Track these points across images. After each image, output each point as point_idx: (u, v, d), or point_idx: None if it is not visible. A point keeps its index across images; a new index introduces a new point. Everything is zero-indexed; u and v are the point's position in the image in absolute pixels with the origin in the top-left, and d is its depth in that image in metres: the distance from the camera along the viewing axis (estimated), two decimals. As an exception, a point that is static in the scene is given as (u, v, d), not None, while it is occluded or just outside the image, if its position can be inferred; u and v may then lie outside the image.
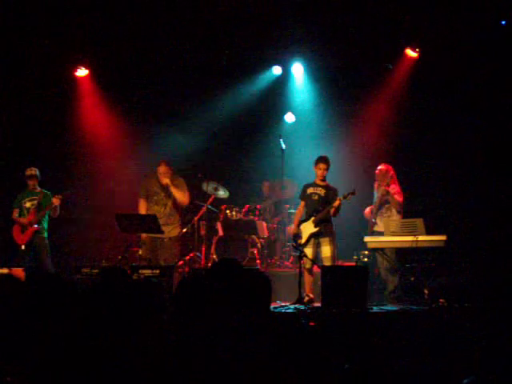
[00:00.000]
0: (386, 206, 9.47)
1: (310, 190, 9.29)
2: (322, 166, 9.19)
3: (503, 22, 10.52)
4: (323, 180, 9.25)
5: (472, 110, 10.63)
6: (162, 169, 9.81)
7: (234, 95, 11.96)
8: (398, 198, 9.39)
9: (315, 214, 8.99)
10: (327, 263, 8.83)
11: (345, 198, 8.85)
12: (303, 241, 9.01)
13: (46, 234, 9.86)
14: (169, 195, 9.84)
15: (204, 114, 11.90)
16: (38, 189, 9.93)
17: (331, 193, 9.12)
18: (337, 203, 8.87)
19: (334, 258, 8.98)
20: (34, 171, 9.89)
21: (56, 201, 9.69)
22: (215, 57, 11.52)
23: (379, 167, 9.62)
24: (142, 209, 9.87)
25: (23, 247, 9.68)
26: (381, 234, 9.35)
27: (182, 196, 9.84)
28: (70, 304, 3.49)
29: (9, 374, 3.05)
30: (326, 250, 8.96)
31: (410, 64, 11.34)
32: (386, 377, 3.14)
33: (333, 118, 11.78)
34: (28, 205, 9.85)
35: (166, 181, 9.73)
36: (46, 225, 9.88)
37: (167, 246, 9.73)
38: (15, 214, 9.86)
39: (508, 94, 10.43)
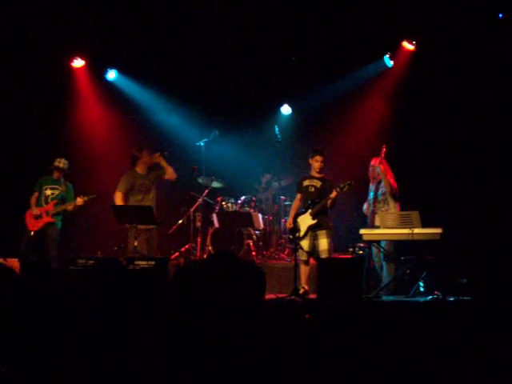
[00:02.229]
0: (383, 197, 9.46)
1: (306, 183, 9.29)
2: (318, 158, 9.19)
3: (500, 15, 10.50)
4: (319, 172, 9.25)
5: (469, 103, 10.61)
6: (144, 154, 9.73)
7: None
8: (392, 181, 9.37)
9: (312, 206, 8.98)
10: (324, 255, 8.85)
11: (341, 189, 8.84)
12: (302, 233, 8.99)
13: (60, 225, 9.84)
14: (152, 182, 9.77)
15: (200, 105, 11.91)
16: (62, 179, 9.89)
17: (328, 184, 9.12)
18: (334, 195, 8.86)
19: (330, 250, 8.99)
20: (63, 164, 9.84)
21: (80, 201, 9.66)
22: (210, 47, 11.52)
23: (371, 162, 9.63)
24: (119, 202, 9.71)
25: (32, 233, 9.66)
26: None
27: (171, 171, 9.78)
28: (63, 295, 3.48)
29: (2, 365, 3.05)
30: (324, 243, 8.96)
31: (406, 57, 11.33)
32: (380, 369, 3.14)
33: (329, 110, 11.76)
34: (48, 192, 9.83)
35: (156, 156, 9.70)
36: (61, 215, 9.86)
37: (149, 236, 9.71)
38: (34, 198, 9.81)
39: (505, 87, 10.41)
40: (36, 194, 9.84)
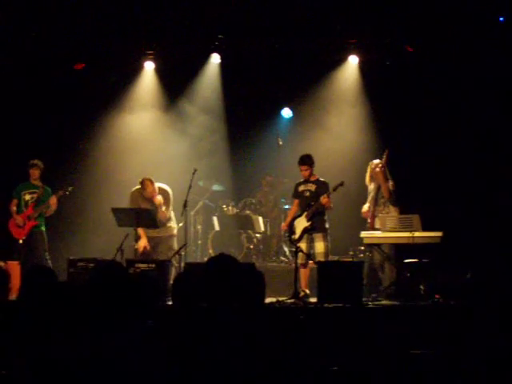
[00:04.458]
0: (383, 200, 9.44)
1: (301, 188, 9.41)
2: (302, 168, 9.34)
3: (501, 19, 10.50)
4: (310, 178, 9.31)
5: (468, 106, 10.62)
6: (148, 191, 9.49)
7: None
8: (390, 187, 9.34)
9: (308, 209, 9.05)
10: (321, 258, 8.89)
11: (334, 189, 8.97)
12: (297, 236, 9.05)
13: (43, 228, 9.82)
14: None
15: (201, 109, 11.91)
16: (40, 183, 9.89)
17: (322, 187, 9.22)
18: (323, 199, 8.94)
19: (327, 253, 9.05)
20: (37, 161, 9.87)
21: (53, 200, 9.66)
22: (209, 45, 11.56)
23: (374, 162, 9.62)
24: None
25: (21, 241, 9.64)
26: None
27: (163, 216, 9.51)
28: (65, 299, 3.48)
29: (4, 368, 3.05)
30: (320, 246, 9.02)
31: (406, 60, 11.32)
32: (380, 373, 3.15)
33: (328, 112, 11.79)
34: (27, 197, 9.81)
35: (158, 201, 9.47)
36: (43, 218, 9.85)
37: (164, 241, 9.67)
38: (13, 205, 9.81)
39: (505, 91, 10.42)
40: (15, 200, 9.82)
